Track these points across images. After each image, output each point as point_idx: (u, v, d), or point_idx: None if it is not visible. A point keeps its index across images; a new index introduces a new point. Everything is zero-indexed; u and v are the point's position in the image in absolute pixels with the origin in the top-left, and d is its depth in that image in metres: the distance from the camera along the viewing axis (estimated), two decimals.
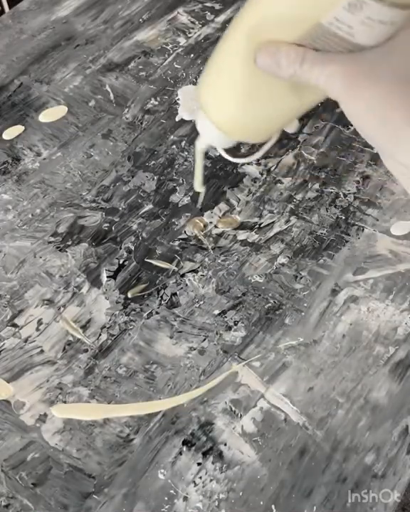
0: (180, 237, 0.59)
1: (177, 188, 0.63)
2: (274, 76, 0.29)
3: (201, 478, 0.46)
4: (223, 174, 0.64)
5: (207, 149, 0.40)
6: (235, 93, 0.32)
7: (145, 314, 0.54)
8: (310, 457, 0.47)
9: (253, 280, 0.56)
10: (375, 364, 0.51)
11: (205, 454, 0.47)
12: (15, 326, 0.54)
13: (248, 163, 0.64)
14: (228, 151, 0.40)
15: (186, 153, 0.66)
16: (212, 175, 0.63)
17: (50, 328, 0.54)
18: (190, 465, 0.47)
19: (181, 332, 0.53)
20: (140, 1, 0.83)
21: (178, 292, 0.56)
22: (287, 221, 0.60)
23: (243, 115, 0.33)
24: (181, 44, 0.77)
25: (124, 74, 0.74)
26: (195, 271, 0.57)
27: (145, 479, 0.46)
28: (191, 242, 0.59)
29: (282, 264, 0.57)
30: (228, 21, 0.79)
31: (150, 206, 0.62)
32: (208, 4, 0.82)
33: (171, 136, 0.67)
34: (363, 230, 0.58)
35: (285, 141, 0.66)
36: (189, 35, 0.78)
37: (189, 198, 0.62)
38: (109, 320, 0.54)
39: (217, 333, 0.53)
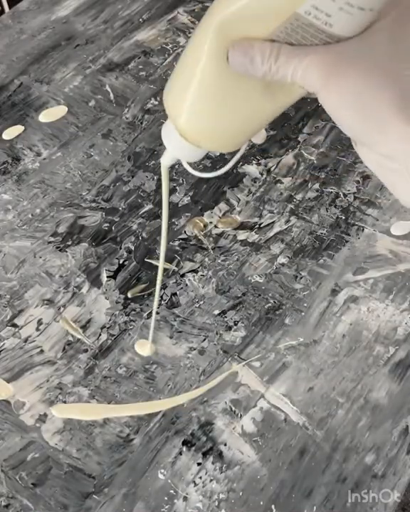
0: (180, 237, 0.59)
1: (177, 188, 0.63)
2: (247, 76, 0.28)
3: (201, 478, 0.46)
4: (223, 174, 0.63)
5: (173, 164, 0.37)
6: (205, 97, 0.30)
7: (145, 314, 0.54)
8: (310, 457, 0.47)
9: (253, 280, 0.56)
10: (375, 364, 0.51)
11: (205, 454, 0.47)
12: (15, 326, 0.54)
13: (248, 163, 0.64)
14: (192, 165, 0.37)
15: None
16: None
17: (50, 328, 0.54)
18: (190, 465, 0.47)
19: (181, 332, 0.53)
20: (140, 1, 0.83)
21: (178, 292, 0.56)
22: (287, 221, 0.60)
23: (213, 121, 0.31)
24: (181, 44, 0.77)
25: (124, 74, 0.74)
26: (195, 271, 0.57)
27: (145, 479, 0.46)
28: (191, 242, 0.59)
29: (282, 264, 0.57)
30: None
31: (150, 206, 0.62)
32: (208, 4, 0.81)
33: None
34: (363, 230, 0.58)
35: (285, 141, 0.66)
36: (189, 35, 0.78)
37: (189, 198, 0.62)
38: (109, 320, 0.54)
39: (217, 333, 0.53)
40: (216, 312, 0.54)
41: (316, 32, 0.25)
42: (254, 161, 0.64)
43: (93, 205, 0.62)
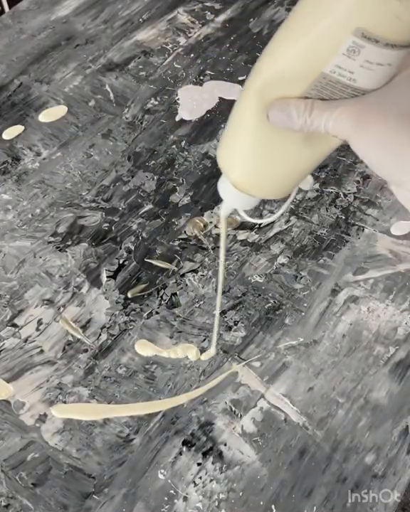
0: (180, 237, 0.59)
1: (177, 188, 0.63)
2: (287, 129, 0.31)
3: (201, 478, 0.46)
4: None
5: (231, 213, 0.41)
6: (253, 151, 0.34)
7: (145, 314, 0.54)
8: (310, 457, 0.47)
9: (253, 280, 0.56)
10: (375, 364, 0.51)
11: (205, 454, 0.47)
12: (15, 326, 0.54)
13: None
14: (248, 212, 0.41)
15: (186, 153, 0.66)
16: (212, 175, 0.63)
17: (50, 328, 0.54)
18: (190, 465, 0.47)
19: (181, 332, 0.53)
20: (140, 1, 0.83)
21: (178, 292, 0.56)
22: (287, 221, 0.60)
23: (262, 172, 0.35)
24: (181, 44, 0.77)
25: (124, 74, 0.74)
26: (195, 271, 0.57)
27: (145, 479, 0.46)
28: (191, 242, 0.59)
29: (282, 264, 0.57)
30: (228, 21, 0.79)
31: (150, 206, 0.62)
32: (208, 4, 0.82)
33: (171, 136, 0.67)
34: (363, 229, 0.58)
35: None
36: (189, 35, 0.78)
37: (189, 198, 0.62)
38: (109, 320, 0.54)
39: (217, 333, 0.53)
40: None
41: (343, 87, 0.29)
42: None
43: (93, 205, 0.62)
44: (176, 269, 0.57)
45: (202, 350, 0.52)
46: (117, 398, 0.50)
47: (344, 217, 0.59)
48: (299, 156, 0.34)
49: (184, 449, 0.47)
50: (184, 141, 0.67)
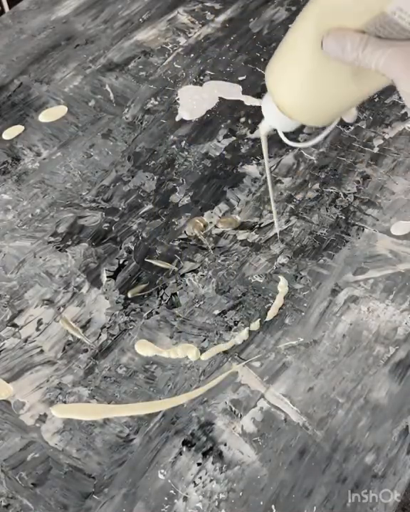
0: (180, 237, 0.59)
1: (177, 188, 0.63)
2: (338, 60, 0.32)
3: (201, 478, 0.46)
4: (223, 174, 0.64)
5: (270, 132, 0.42)
6: (301, 76, 0.34)
7: (145, 314, 0.54)
8: (310, 457, 0.47)
9: (253, 280, 0.56)
10: (375, 364, 0.51)
11: (205, 454, 0.47)
12: (15, 326, 0.54)
13: (248, 163, 0.64)
14: (287, 135, 0.42)
15: (186, 153, 0.66)
16: (212, 175, 0.63)
17: (50, 328, 0.54)
18: (190, 465, 0.47)
19: (181, 332, 0.53)
20: (140, 1, 0.83)
21: (178, 292, 0.56)
22: (287, 221, 0.60)
23: (307, 98, 0.35)
24: (181, 44, 0.77)
25: (124, 74, 0.74)
26: (195, 271, 0.57)
27: (145, 479, 0.46)
28: (191, 242, 0.59)
29: (282, 264, 0.57)
30: (228, 21, 0.79)
31: (150, 206, 0.62)
32: (208, 4, 0.82)
33: (171, 136, 0.67)
34: (363, 229, 0.58)
35: None
36: (189, 35, 0.78)
37: (189, 198, 0.62)
38: (109, 320, 0.54)
39: (217, 333, 0.53)
40: (216, 312, 0.54)
41: (401, 30, 0.29)
42: (254, 161, 0.64)
43: (93, 205, 0.62)
44: (176, 269, 0.57)
45: (202, 350, 0.52)
46: (117, 398, 0.50)
47: (344, 217, 0.59)
48: (345, 88, 0.34)
49: (184, 449, 0.47)
50: (184, 141, 0.67)
